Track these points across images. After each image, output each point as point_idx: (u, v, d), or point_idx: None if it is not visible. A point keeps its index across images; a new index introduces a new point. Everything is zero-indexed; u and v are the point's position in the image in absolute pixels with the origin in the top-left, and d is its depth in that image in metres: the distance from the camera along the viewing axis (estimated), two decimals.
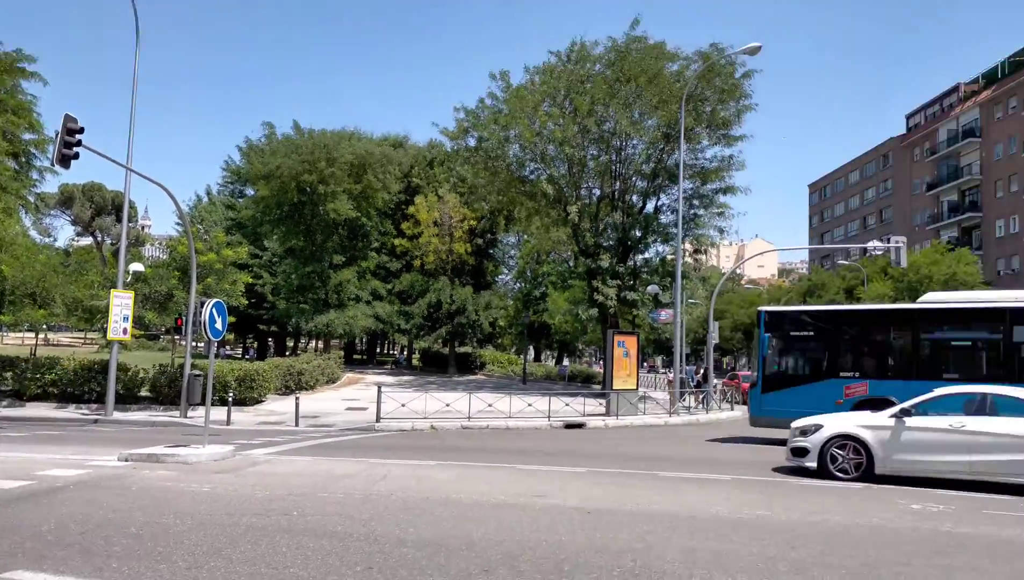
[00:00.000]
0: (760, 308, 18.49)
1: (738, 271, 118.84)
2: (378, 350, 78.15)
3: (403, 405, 20.41)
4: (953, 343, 16.31)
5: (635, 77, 31.60)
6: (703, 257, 41.46)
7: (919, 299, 17.81)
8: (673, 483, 10.78)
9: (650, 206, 35.58)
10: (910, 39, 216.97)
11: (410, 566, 5.93)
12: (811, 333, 17.41)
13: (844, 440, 11.55)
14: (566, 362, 64.87)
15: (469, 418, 20.08)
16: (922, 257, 55.86)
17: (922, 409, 11.39)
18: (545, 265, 56.55)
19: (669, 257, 34.90)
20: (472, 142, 36.25)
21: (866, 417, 11.93)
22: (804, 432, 12.03)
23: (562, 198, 34.15)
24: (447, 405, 20.77)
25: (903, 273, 50.86)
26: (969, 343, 16.08)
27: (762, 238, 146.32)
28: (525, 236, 56.28)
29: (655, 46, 32.32)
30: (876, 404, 14.64)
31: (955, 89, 71.43)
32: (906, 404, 11.65)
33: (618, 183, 34.95)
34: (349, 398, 29.36)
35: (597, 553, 6.45)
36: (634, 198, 35.74)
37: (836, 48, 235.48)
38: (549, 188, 33.28)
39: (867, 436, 11.40)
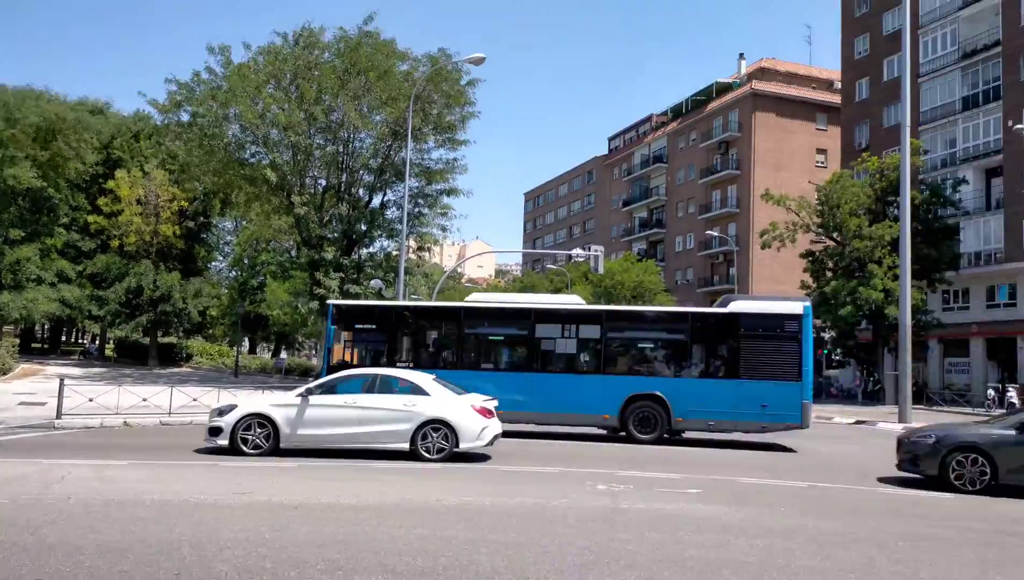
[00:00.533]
0: (329, 301, 19.29)
1: (459, 270, 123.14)
2: (64, 339, 69.35)
3: (91, 399, 18.29)
4: (491, 338, 18.47)
5: (366, 71, 31.50)
6: (426, 254, 42.51)
7: (466, 298, 19.85)
8: (382, 474, 10.92)
9: (376, 201, 35.77)
10: (619, 67, 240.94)
11: (87, 575, 5.37)
12: (374, 326, 18.52)
13: (254, 418, 12.39)
14: (283, 355, 62.59)
15: (170, 413, 18.57)
16: (616, 265, 62.33)
17: (327, 388, 12.74)
18: (264, 254, 54.14)
19: (394, 253, 35.25)
20: (186, 117, 33.71)
21: (278, 397, 13.15)
22: (221, 413, 12.59)
23: (285, 185, 32.98)
24: (144, 399, 18.99)
25: (601, 278, 56.30)
26: (503, 338, 18.35)
27: (482, 240, 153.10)
28: (244, 222, 53.44)
29: (386, 43, 32.49)
30: None
31: (648, 119, 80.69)
32: (312, 384, 13.00)
33: (345, 175, 34.58)
34: (24, 392, 25.66)
35: (302, 547, 6.34)
36: (361, 192, 35.61)
37: (556, 66, 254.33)
38: (272, 174, 31.94)
39: (275, 414, 12.35)
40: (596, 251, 32.24)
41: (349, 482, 10.04)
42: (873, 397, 40.39)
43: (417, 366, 16.93)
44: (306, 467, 11.35)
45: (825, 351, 47.06)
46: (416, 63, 33.07)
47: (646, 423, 16.43)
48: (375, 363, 17.29)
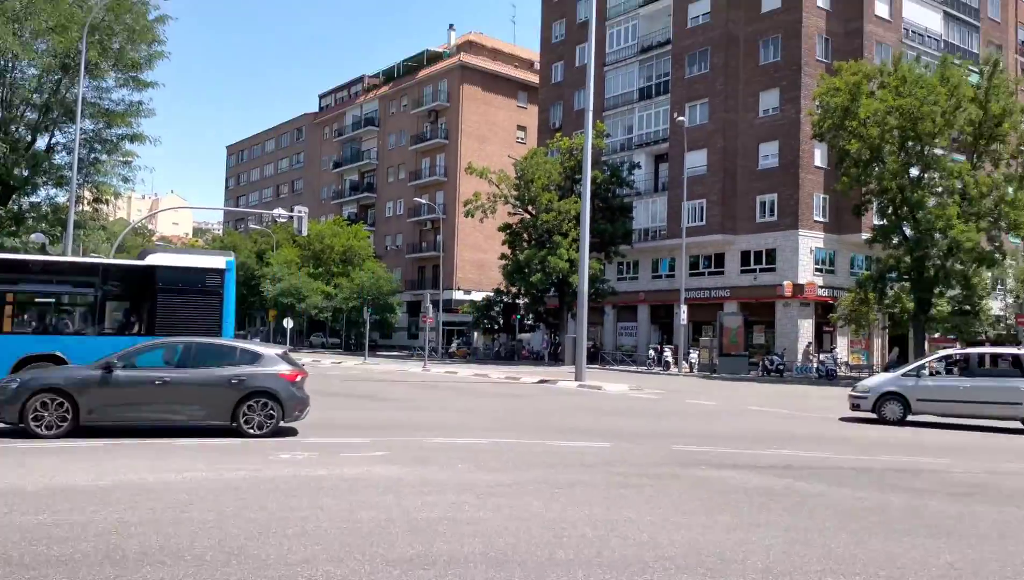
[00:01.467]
0: None
1: (150, 226, 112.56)
2: None
3: None
4: None
5: None
6: (106, 207, 38.04)
7: None
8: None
9: (42, 143, 31.10)
10: (332, 22, 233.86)
11: None
12: None
13: None
14: None
15: None
16: (326, 228, 61.12)
17: None
18: None
19: (63, 203, 31.05)
20: None
21: None
22: None
23: None
24: None
25: (309, 241, 54.88)
26: None
27: (178, 195, 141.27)
28: None
29: None
30: None
31: (360, 79, 79.69)
32: None
33: (1, 111, 29.59)
34: None
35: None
36: (22, 130, 30.72)
37: (265, 15, 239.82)
38: None
39: None
40: (300, 212, 31.25)
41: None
42: (556, 358, 44.38)
43: None
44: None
45: (518, 316, 50.64)
46: None
47: None
48: None
